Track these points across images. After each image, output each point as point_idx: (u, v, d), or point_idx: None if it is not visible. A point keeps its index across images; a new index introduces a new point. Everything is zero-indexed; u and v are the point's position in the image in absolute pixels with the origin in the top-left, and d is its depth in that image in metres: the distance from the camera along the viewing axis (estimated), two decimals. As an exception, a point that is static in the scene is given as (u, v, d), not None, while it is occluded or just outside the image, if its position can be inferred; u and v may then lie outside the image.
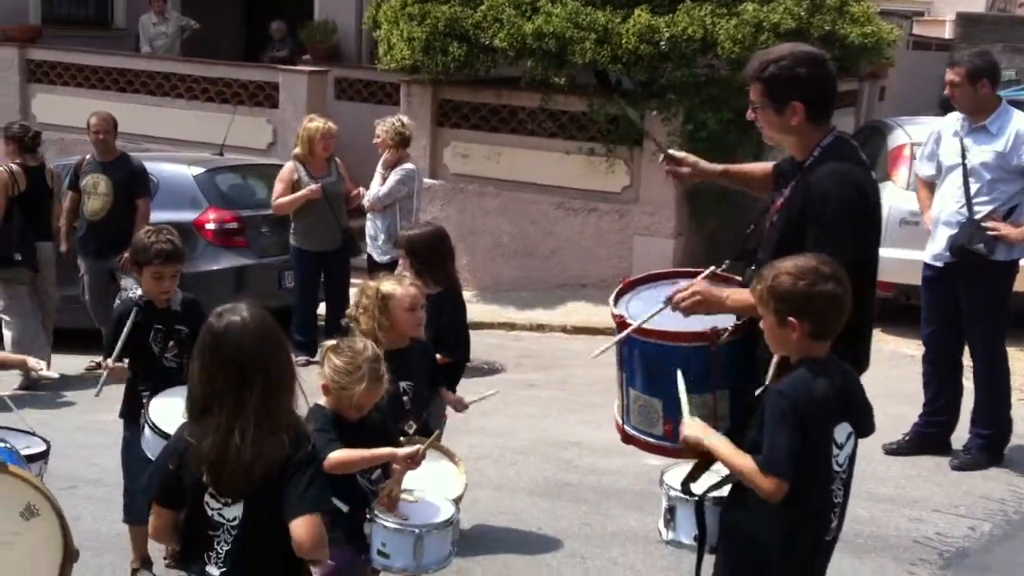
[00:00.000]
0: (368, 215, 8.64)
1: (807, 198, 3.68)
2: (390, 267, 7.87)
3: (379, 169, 8.55)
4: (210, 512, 2.80)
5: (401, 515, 3.67)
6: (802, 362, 3.12)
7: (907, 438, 6.18)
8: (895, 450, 6.12)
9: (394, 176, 8.42)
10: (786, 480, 2.96)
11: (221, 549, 2.80)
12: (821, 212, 3.61)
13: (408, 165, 8.53)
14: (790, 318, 3.09)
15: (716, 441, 3.17)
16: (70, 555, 3.08)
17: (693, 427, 3.24)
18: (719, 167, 4.43)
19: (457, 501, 4.06)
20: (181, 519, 2.91)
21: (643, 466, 5.83)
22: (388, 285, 4.31)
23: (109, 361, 4.51)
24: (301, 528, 2.73)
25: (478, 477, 5.54)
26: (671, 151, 4.36)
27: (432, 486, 3.98)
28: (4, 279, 8.41)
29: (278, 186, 8.80)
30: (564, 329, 10.39)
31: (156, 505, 2.91)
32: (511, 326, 10.53)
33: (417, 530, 3.61)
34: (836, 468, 3.14)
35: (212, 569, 2.80)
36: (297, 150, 8.86)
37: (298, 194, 8.63)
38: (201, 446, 2.78)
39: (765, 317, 3.19)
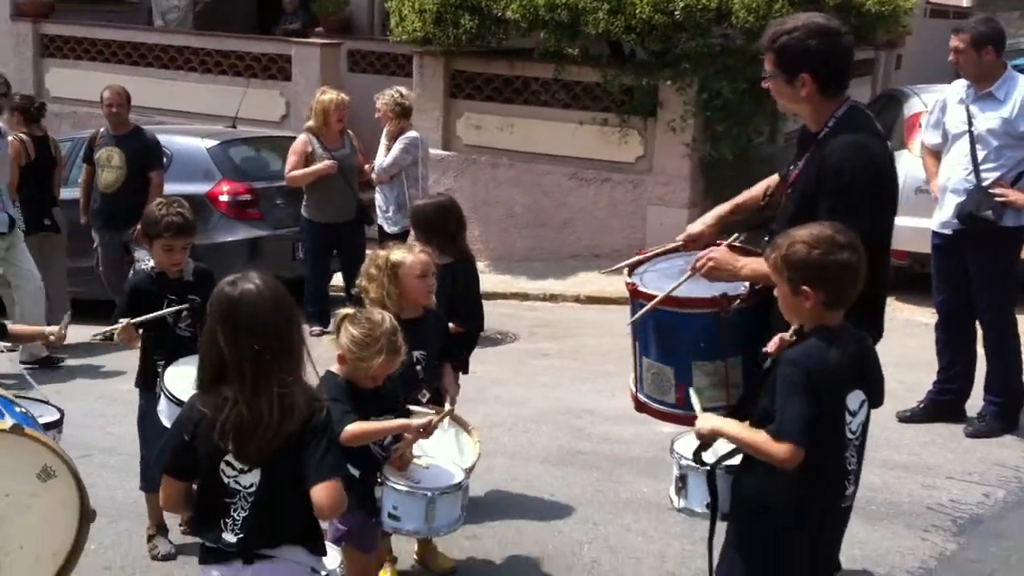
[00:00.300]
0: (376, 187, 8.63)
1: (821, 170, 3.67)
2: (401, 237, 7.89)
3: (383, 141, 8.54)
4: (226, 480, 2.81)
5: (412, 479, 3.69)
6: (815, 330, 3.11)
7: (921, 406, 6.17)
8: (909, 417, 6.11)
9: (398, 145, 8.41)
10: (800, 446, 2.95)
11: (238, 516, 2.81)
12: (835, 184, 3.60)
13: (411, 133, 8.51)
14: (804, 287, 3.07)
15: (728, 427, 3.17)
16: (87, 515, 3.10)
17: (705, 422, 3.24)
18: (715, 213, 4.29)
19: (470, 470, 4.08)
20: (194, 489, 2.93)
21: (656, 434, 5.84)
22: (398, 253, 4.31)
23: (122, 321, 4.51)
24: (322, 494, 2.75)
25: (492, 445, 5.56)
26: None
27: (446, 455, 4.00)
28: (36, 245, 8.47)
29: (291, 158, 8.80)
30: (577, 299, 10.40)
31: (168, 476, 2.92)
32: (524, 296, 10.55)
33: (429, 493, 3.64)
34: (849, 436, 3.13)
35: (229, 536, 2.81)
36: (311, 122, 8.85)
37: (314, 168, 8.63)
38: (220, 416, 2.78)
39: (779, 286, 3.17)
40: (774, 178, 4.20)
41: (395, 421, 3.74)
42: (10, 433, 2.85)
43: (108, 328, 4.55)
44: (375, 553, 3.98)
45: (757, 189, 4.26)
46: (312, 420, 2.80)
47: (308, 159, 8.68)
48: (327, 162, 8.59)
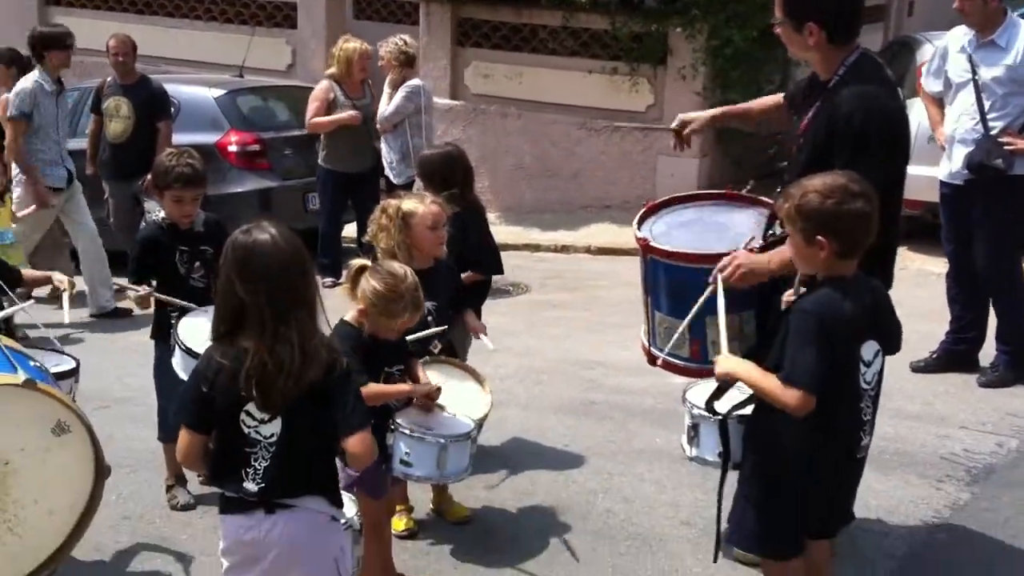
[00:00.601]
0: (382, 137, 8.58)
1: (832, 119, 3.64)
2: (407, 188, 7.87)
3: (386, 89, 8.48)
4: (247, 430, 2.81)
5: (424, 426, 3.71)
6: (828, 280, 3.10)
7: (935, 356, 6.18)
8: (923, 368, 6.12)
9: (400, 93, 8.34)
10: (811, 393, 2.95)
11: (259, 465, 2.82)
12: (847, 133, 3.57)
13: (414, 81, 8.44)
14: (818, 236, 3.05)
15: (744, 366, 3.16)
16: (102, 471, 3.12)
17: (728, 363, 3.21)
18: (715, 111, 4.44)
19: (482, 421, 4.10)
20: (211, 441, 2.93)
21: (669, 385, 5.84)
22: (409, 203, 4.29)
23: (143, 288, 4.51)
24: (357, 444, 2.77)
25: (504, 396, 5.59)
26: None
27: (458, 406, 4.01)
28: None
29: (313, 104, 8.75)
30: (588, 250, 10.38)
31: (187, 429, 2.89)
32: (535, 247, 10.53)
33: (443, 440, 3.68)
34: (864, 386, 3.13)
35: (250, 485, 2.82)
36: (333, 70, 8.79)
37: (337, 116, 8.59)
38: (241, 366, 2.77)
39: (792, 236, 3.16)
40: (777, 98, 4.24)
41: (400, 386, 3.79)
42: (23, 387, 2.86)
43: (128, 287, 4.55)
44: (385, 500, 4.00)
45: (757, 103, 4.28)
46: (335, 370, 2.80)
47: (330, 107, 8.64)
48: (351, 112, 8.56)
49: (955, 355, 6.15)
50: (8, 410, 2.87)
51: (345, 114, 8.55)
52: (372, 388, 3.60)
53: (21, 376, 2.85)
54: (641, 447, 5.31)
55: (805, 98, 3.92)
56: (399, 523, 4.39)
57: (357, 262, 3.84)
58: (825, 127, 3.66)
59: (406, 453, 3.68)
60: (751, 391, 3.19)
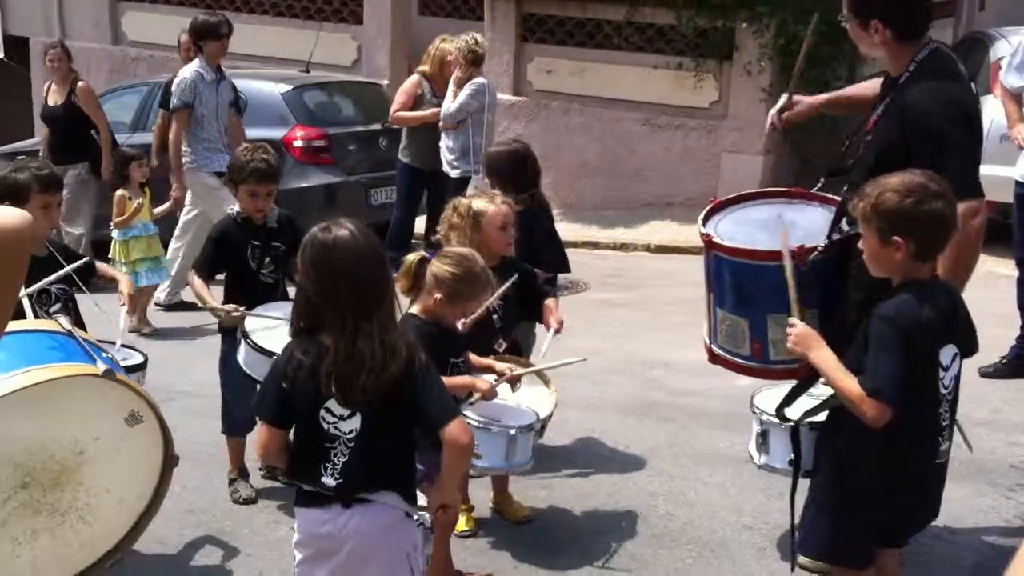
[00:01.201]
0: (442, 132, 8.59)
1: (904, 116, 3.57)
2: (463, 183, 7.87)
3: (451, 87, 8.48)
4: (326, 425, 2.83)
5: (490, 417, 3.71)
6: (907, 285, 3.02)
7: (1004, 361, 6.04)
8: (991, 373, 5.98)
9: (465, 91, 8.33)
10: (890, 406, 2.89)
11: (338, 461, 2.84)
12: (921, 130, 3.50)
13: (479, 79, 8.43)
14: (895, 237, 2.97)
15: (825, 355, 3.08)
16: (170, 461, 3.15)
17: (804, 333, 3.12)
18: (822, 97, 4.34)
19: (546, 420, 4.08)
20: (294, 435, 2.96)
21: (732, 387, 5.79)
22: (480, 202, 4.29)
23: (232, 307, 4.53)
24: (457, 431, 2.79)
25: (565, 396, 5.50)
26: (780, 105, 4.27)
27: (523, 404, 4.01)
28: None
29: (400, 98, 8.81)
30: (648, 248, 10.33)
31: (269, 425, 2.92)
32: (595, 245, 10.49)
33: (513, 430, 3.67)
34: (943, 391, 3.06)
35: (328, 480, 2.84)
36: (425, 67, 8.84)
37: (421, 113, 8.64)
38: (321, 363, 2.79)
39: (866, 236, 3.08)
40: (876, 83, 4.10)
41: (464, 378, 3.77)
42: (102, 378, 2.90)
43: (218, 308, 4.55)
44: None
45: (868, 88, 4.19)
46: (416, 364, 2.81)
47: (416, 102, 8.70)
48: (434, 109, 8.58)
49: None
50: (86, 400, 2.92)
51: (430, 111, 8.59)
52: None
53: (101, 367, 2.90)
54: (703, 450, 5.26)
55: (880, 93, 3.86)
56: (459, 522, 4.39)
57: (414, 255, 3.81)
58: (897, 124, 3.59)
59: (475, 445, 3.67)
60: (822, 399, 3.12)
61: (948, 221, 3.00)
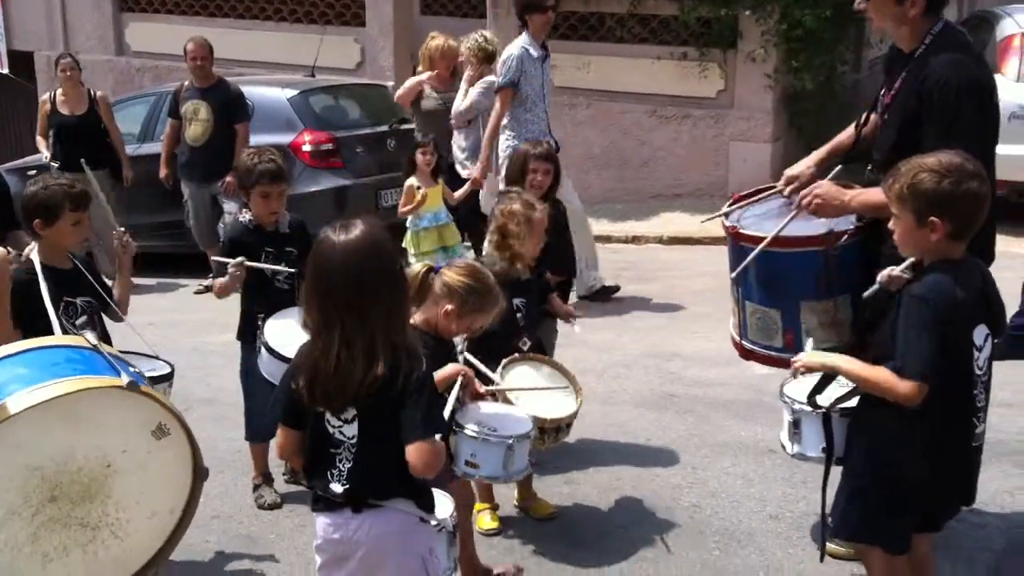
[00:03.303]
0: (455, 131, 8.58)
1: (922, 88, 3.55)
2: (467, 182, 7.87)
3: (462, 85, 8.47)
4: (331, 430, 2.83)
5: (486, 426, 3.67)
6: (940, 264, 2.99)
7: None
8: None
9: (475, 89, 8.31)
10: (925, 383, 2.86)
11: (343, 466, 2.84)
12: (942, 103, 3.48)
13: (490, 77, 8.41)
14: (932, 218, 2.94)
15: (840, 361, 3.08)
16: (200, 473, 3.15)
17: (811, 358, 3.16)
18: (812, 159, 4.24)
19: (571, 418, 4.08)
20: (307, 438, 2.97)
21: (750, 376, 5.80)
22: (524, 208, 4.33)
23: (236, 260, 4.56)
24: (415, 454, 2.74)
25: (584, 391, 5.53)
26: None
27: (548, 402, 3.99)
28: None
29: (401, 91, 8.88)
30: (660, 240, 10.31)
31: (282, 426, 2.94)
32: (606, 239, 10.46)
33: (510, 440, 3.62)
34: (977, 371, 3.03)
35: (335, 486, 2.84)
36: (420, 67, 8.86)
37: (409, 82, 8.76)
38: (302, 362, 2.82)
39: (901, 217, 3.03)
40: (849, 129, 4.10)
41: (447, 369, 3.58)
42: (127, 390, 2.90)
43: (231, 261, 4.56)
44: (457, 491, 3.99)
45: (849, 130, 4.15)
46: (412, 376, 2.77)
47: (419, 96, 8.74)
48: (418, 78, 8.65)
49: (1018, 341, 5.94)
50: (112, 412, 2.91)
51: (414, 79, 8.72)
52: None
53: (124, 379, 2.89)
54: (725, 440, 5.25)
55: (889, 71, 3.84)
56: (483, 522, 4.40)
57: (421, 265, 3.75)
58: (916, 96, 3.57)
59: (471, 455, 3.65)
60: (852, 386, 3.10)
61: (984, 201, 2.97)
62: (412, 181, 7.25)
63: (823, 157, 4.12)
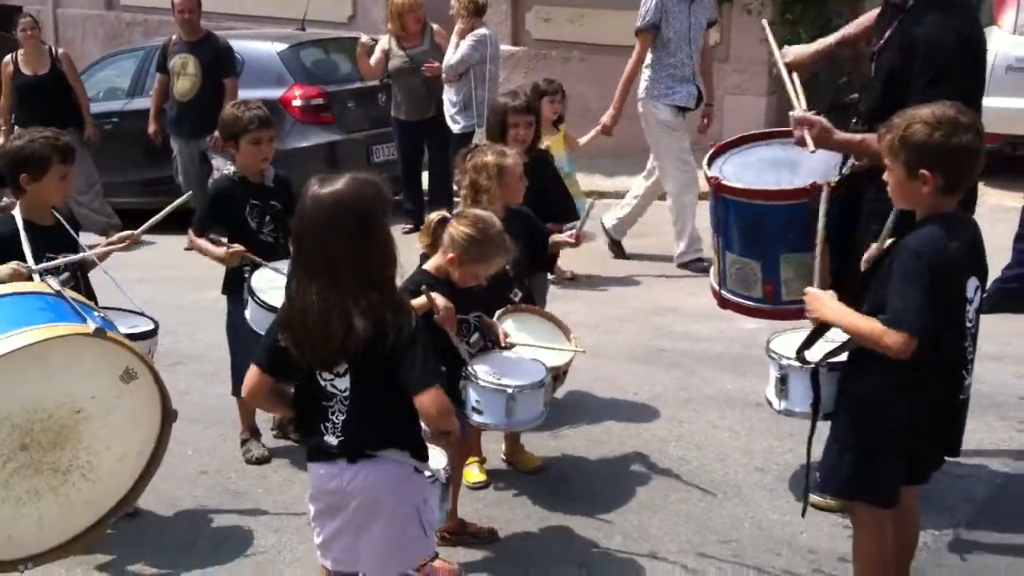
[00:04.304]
0: (445, 85, 8.52)
1: (910, 45, 3.53)
2: (467, 137, 7.79)
3: (453, 39, 8.40)
4: (323, 383, 2.84)
5: (496, 374, 3.69)
6: (933, 218, 2.96)
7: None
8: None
9: (466, 42, 8.23)
10: (914, 336, 2.84)
11: (337, 419, 2.85)
12: (927, 57, 3.45)
13: (481, 30, 8.33)
14: (923, 171, 2.92)
15: (838, 308, 3.04)
16: (169, 415, 3.18)
17: (815, 295, 3.11)
18: (810, 49, 4.21)
19: (565, 368, 4.09)
20: (291, 390, 2.97)
21: (738, 331, 5.81)
22: (494, 157, 4.26)
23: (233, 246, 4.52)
24: (427, 401, 2.76)
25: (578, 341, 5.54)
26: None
27: (541, 354, 3.99)
28: None
29: (371, 65, 8.83)
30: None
31: (256, 367, 2.93)
32: (599, 194, 10.40)
33: (510, 389, 3.65)
34: (967, 324, 3.02)
35: (330, 438, 2.85)
36: (390, 25, 8.80)
37: (364, 62, 8.71)
38: (286, 316, 2.83)
39: (892, 168, 3.00)
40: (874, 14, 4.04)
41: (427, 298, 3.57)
42: (93, 336, 2.91)
43: (222, 251, 4.51)
44: (464, 446, 4.01)
45: (865, 21, 4.11)
46: (403, 330, 2.77)
47: (386, 56, 8.70)
48: (376, 56, 8.62)
49: (1007, 294, 5.91)
50: (80, 359, 2.94)
51: (372, 60, 8.69)
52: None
53: (91, 325, 2.91)
54: (712, 394, 5.27)
55: (879, 22, 3.80)
56: (471, 475, 4.41)
57: (436, 214, 3.89)
58: (901, 51, 3.54)
59: (476, 400, 3.69)
60: (843, 339, 3.08)
61: (977, 154, 2.94)
62: None
63: (830, 45, 4.11)
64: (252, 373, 2.94)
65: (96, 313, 3.10)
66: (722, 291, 4.07)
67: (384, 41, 8.78)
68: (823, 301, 3.09)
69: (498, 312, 4.10)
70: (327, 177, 2.83)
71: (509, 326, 4.09)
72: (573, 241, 4.39)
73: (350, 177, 2.82)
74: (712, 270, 4.21)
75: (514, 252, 3.85)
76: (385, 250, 2.83)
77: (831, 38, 4.19)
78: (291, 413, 3.06)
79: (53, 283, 3.14)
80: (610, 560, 3.86)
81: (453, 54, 8.31)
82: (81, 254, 4.10)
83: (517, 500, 4.34)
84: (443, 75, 8.45)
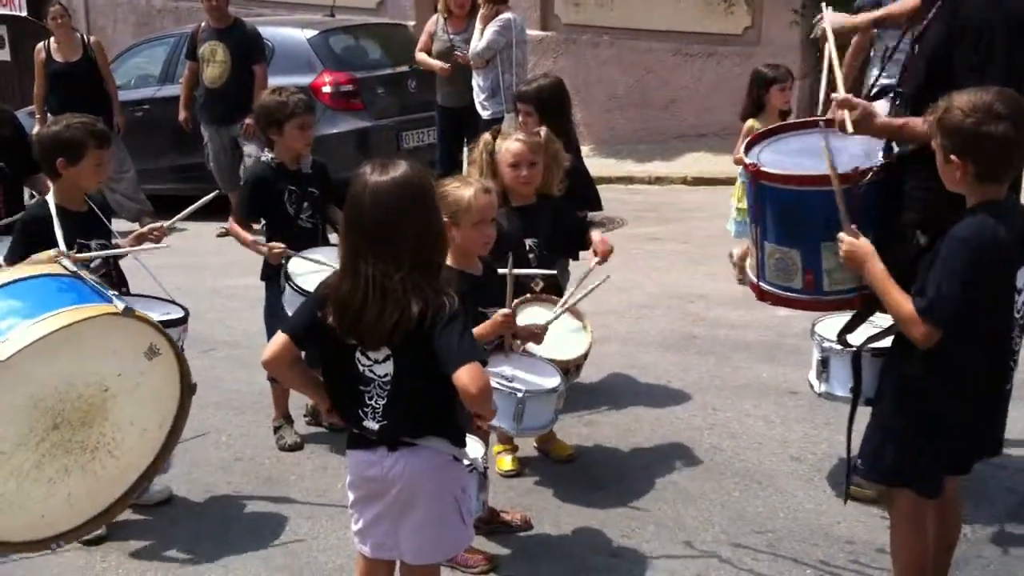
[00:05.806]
0: (473, 72, 8.47)
1: (952, 25, 3.45)
2: (495, 123, 7.74)
3: (477, 24, 8.34)
4: (361, 368, 2.82)
5: (508, 375, 3.63)
6: (982, 206, 2.89)
7: None
8: None
9: (491, 27, 8.17)
10: (938, 329, 2.80)
11: (377, 404, 2.83)
12: (972, 35, 3.38)
13: (506, 15, 8.27)
14: (952, 156, 2.87)
15: (880, 269, 2.98)
16: (188, 387, 3.19)
17: (858, 244, 3.04)
18: (855, 21, 4.16)
19: (580, 361, 4.04)
20: (317, 375, 2.96)
21: (772, 318, 5.76)
22: (495, 140, 4.24)
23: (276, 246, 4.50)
24: (466, 376, 2.68)
25: (605, 332, 5.53)
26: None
27: (557, 344, 3.96)
28: None
29: (422, 37, 8.74)
30: (684, 181, 10.21)
31: (286, 335, 2.88)
32: (629, 180, 10.39)
33: (520, 394, 3.58)
34: (1016, 315, 2.96)
35: (370, 423, 2.84)
36: (439, 5, 8.77)
37: (432, 63, 8.55)
38: (330, 293, 2.81)
39: (937, 150, 2.95)
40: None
41: (495, 319, 3.56)
42: (122, 315, 2.94)
43: (263, 245, 4.54)
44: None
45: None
46: (445, 310, 2.75)
47: (432, 38, 8.62)
48: (442, 65, 8.45)
49: None
50: (108, 338, 2.98)
51: (436, 64, 8.50)
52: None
53: (120, 305, 2.94)
54: (746, 382, 5.22)
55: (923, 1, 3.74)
56: (503, 463, 4.40)
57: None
58: (946, 33, 3.48)
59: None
60: (886, 324, 3.02)
61: (1011, 144, 2.84)
62: (752, 122, 6.12)
63: (865, 23, 4.08)
64: (279, 339, 2.89)
65: (111, 292, 3.12)
66: (760, 283, 4.00)
67: (432, 22, 8.72)
68: (869, 255, 3.00)
69: (517, 300, 4.03)
70: (383, 162, 2.84)
71: (530, 314, 4.02)
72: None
73: (406, 164, 2.83)
74: (749, 262, 4.15)
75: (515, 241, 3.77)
76: (442, 236, 2.88)
77: (873, 14, 4.12)
78: (308, 392, 3.06)
79: (68, 264, 3.16)
80: (644, 550, 3.83)
81: (479, 41, 8.26)
82: (117, 250, 4.14)
83: (548, 488, 4.31)
84: (471, 62, 8.41)
